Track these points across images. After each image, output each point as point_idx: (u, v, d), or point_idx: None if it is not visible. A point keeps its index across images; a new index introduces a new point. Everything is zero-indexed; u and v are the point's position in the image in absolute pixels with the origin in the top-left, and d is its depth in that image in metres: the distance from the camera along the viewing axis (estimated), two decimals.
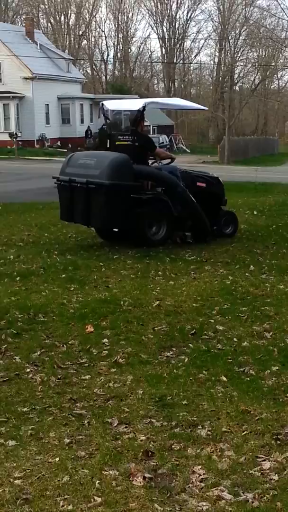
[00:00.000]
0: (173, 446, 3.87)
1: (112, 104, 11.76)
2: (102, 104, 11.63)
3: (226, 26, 57.94)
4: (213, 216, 11.05)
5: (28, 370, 5.12)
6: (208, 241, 10.68)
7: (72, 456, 3.76)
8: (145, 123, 10.79)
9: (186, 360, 5.26)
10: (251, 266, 8.73)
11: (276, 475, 3.54)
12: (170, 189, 10.52)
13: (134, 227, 10.25)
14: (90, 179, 9.95)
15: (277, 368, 5.08)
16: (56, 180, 10.77)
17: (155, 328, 6.10)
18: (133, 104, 11.67)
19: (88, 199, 10.09)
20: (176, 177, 10.68)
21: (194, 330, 6.01)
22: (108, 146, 10.93)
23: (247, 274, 8.34)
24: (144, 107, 10.69)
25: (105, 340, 5.78)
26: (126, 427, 4.12)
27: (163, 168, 10.90)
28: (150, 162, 11.01)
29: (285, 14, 22.57)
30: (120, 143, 10.72)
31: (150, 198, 10.33)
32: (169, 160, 11.39)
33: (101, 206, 10.01)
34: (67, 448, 3.87)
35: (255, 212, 14.34)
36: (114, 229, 10.74)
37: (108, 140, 11.00)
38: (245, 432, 4.02)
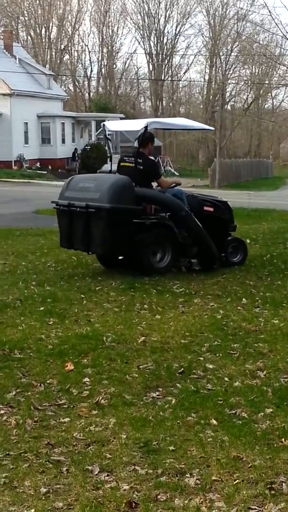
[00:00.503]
0: (158, 497, 3.84)
1: (114, 125, 12.13)
2: (104, 124, 11.91)
3: (217, 42, 58.77)
4: (221, 242, 11.25)
5: (2, 412, 5.09)
6: (215, 268, 10.93)
7: (49, 508, 3.73)
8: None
9: (173, 401, 5.25)
10: (244, 299, 8.76)
11: None
12: (174, 213, 10.69)
13: (137, 254, 10.41)
14: (89, 203, 10.12)
15: (271, 410, 5.08)
16: (55, 204, 10.94)
17: (140, 367, 6.09)
18: (134, 124, 11.83)
19: (88, 224, 10.25)
20: (181, 200, 10.86)
21: (182, 369, 6.00)
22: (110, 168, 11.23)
23: (239, 307, 8.36)
24: (146, 128, 10.87)
25: (86, 379, 5.76)
26: (108, 475, 4.09)
27: (167, 191, 11.07)
28: (154, 185, 11.20)
29: (279, 29, 23.05)
30: (125, 164, 10.95)
31: (154, 223, 10.54)
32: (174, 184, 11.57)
33: (101, 231, 10.17)
34: (43, 498, 3.84)
35: (248, 241, 14.35)
36: (119, 257, 10.93)
37: (109, 161, 11.30)
38: (237, 480, 4.01)
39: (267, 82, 60.22)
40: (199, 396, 5.37)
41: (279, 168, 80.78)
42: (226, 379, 5.79)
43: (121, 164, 11.04)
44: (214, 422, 4.85)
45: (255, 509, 3.72)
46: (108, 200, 10.06)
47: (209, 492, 3.90)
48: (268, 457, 4.29)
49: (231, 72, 60.02)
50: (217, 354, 6.47)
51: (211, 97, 67.64)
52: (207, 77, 70.43)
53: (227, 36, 58.50)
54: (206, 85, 70.81)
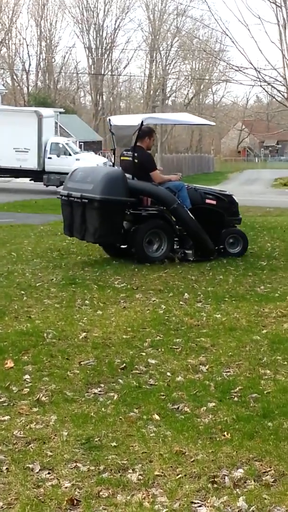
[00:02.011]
0: (101, 493, 3.82)
1: (117, 120, 12.66)
2: (109, 119, 12.78)
3: (157, 37, 58.83)
4: (223, 234, 11.95)
5: None
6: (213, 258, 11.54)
7: None
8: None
9: (115, 397, 5.23)
10: (186, 294, 8.80)
11: None
12: (166, 205, 11.30)
13: (132, 243, 11.20)
14: (84, 194, 10.90)
15: (213, 404, 5.11)
16: (59, 194, 11.82)
17: (82, 363, 6.05)
18: (136, 119, 12.29)
19: (83, 214, 11.03)
20: (178, 193, 11.39)
21: (124, 364, 5.99)
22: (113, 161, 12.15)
23: (181, 302, 8.40)
24: (142, 123, 11.48)
25: (27, 376, 5.70)
26: (49, 473, 4.06)
27: (169, 184, 11.57)
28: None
29: (219, 25, 23.19)
30: (124, 158, 11.76)
31: (150, 214, 11.29)
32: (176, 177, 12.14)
33: (93, 221, 10.90)
34: None
35: None
36: (122, 246, 11.68)
37: (113, 155, 12.30)
38: (180, 475, 4.02)
39: (207, 77, 60.68)
40: (141, 391, 5.36)
41: (221, 163, 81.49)
42: (168, 374, 5.80)
43: (121, 158, 11.86)
44: (157, 417, 4.85)
45: (198, 503, 3.73)
46: (100, 191, 10.78)
47: (151, 487, 3.90)
48: (211, 451, 4.31)
49: (171, 67, 60.31)
50: (159, 349, 6.48)
51: (151, 92, 67.77)
52: (147, 72, 70.56)
53: (167, 31, 58.75)
54: (146, 80, 70.93)
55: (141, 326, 7.25)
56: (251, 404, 5.12)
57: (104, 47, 72.24)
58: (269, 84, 24.22)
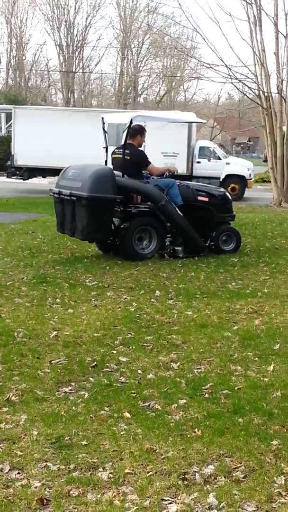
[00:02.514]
0: (71, 492, 3.81)
1: (110, 118, 12.74)
2: (102, 117, 12.80)
3: (128, 34, 58.76)
4: (216, 231, 12.11)
5: None
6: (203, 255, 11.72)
7: None
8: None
9: (86, 396, 5.22)
10: (157, 291, 8.80)
11: None
12: (154, 202, 11.41)
13: (121, 240, 11.41)
14: (73, 191, 11.07)
15: (184, 401, 5.12)
16: (51, 192, 11.94)
17: (52, 361, 6.02)
18: (126, 117, 12.40)
19: (73, 211, 11.21)
20: (167, 190, 11.51)
21: (95, 363, 5.98)
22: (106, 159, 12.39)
23: (152, 300, 8.40)
24: (131, 121, 11.61)
25: None
26: (18, 473, 4.03)
27: (156, 181, 11.72)
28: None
29: (190, 22, 23.23)
30: (115, 156, 11.84)
31: (140, 211, 11.51)
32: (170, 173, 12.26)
33: (82, 218, 11.07)
34: None
35: None
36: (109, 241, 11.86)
37: (106, 153, 12.42)
38: (150, 472, 4.02)
39: (179, 74, 60.75)
40: (112, 389, 5.35)
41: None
42: (139, 371, 5.80)
43: (113, 156, 11.94)
44: (128, 415, 4.85)
45: (168, 500, 3.74)
46: (88, 189, 10.90)
47: (122, 485, 3.90)
48: (181, 448, 4.32)
49: (143, 64, 60.28)
50: (130, 347, 6.47)
51: (123, 89, 67.67)
52: (119, 70, 70.37)
53: (138, 29, 58.68)
54: (118, 78, 70.78)
55: (112, 324, 7.24)
56: (222, 401, 5.13)
57: (75, 45, 71.90)
58: (240, 81, 24.39)
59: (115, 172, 11.47)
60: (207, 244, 12.08)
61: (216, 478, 3.97)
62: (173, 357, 6.19)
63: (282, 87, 23.50)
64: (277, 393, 5.25)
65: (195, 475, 4.00)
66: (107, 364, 5.97)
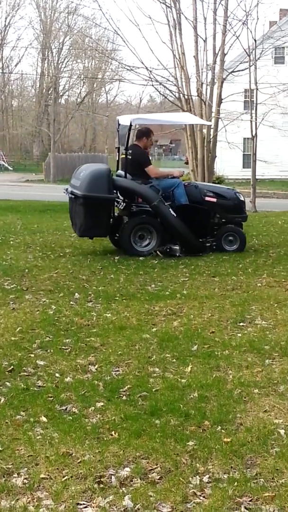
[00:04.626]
0: None
1: (122, 119, 13.08)
2: (118, 119, 13.41)
3: (49, 35, 58.35)
4: (219, 231, 12.52)
5: None
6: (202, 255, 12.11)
7: None
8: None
9: (1, 400, 5.15)
10: (76, 294, 8.77)
11: None
12: (147, 202, 11.95)
13: (121, 237, 12.12)
14: (73, 190, 11.90)
15: (102, 404, 5.11)
16: (64, 190, 12.68)
17: None
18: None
19: (76, 209, 12.04)
20: (157, 191, 11.96)
21: (12, 367, 5.91)
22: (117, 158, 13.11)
23: (71, 302, 8.37)
24: (130, 124, 12.26)
25: None
26: None
27: (162, 183, 12.24)
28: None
29: (110, 24, 23.28)
30: (123, 156, 12.38)
31: (141, 210, 12.05)
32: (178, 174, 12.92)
33: (80, 216, 11.84)
34: None
35: None
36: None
37: (116, 153, 13.10)
38: (66, 477, 3.99)
39: (100, 76, 60.70)
40: (29, 393, 5.30)
41: (115, 162, 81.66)
42: (57, 375, 5.76)
43: (121, 156, 12.54)
44: (44, 419, 4.81)
45: (84, 504, 3.72)
46: (84, 188, 11.66)
47: (37, 490, 3.86)
48: (98, 451, 4.31)
49: (63, 65, 59.88)
50: (48, 350, 6.43)
51: (44, 90, 67.18)
52: (39, 70, 69.84)
53: (58, 30, 58.28)
54: (38, 78, 70.23)
55: (30, 328, 7.17)
56: (139, 403, 5.15)
57: None
58: (161, 84, 24.51)
59: (121, 172, 12.34)
60: (208, 244, 12.43)
61: (132, 480, 3.98)
62: (92, 359, 6.18)
63: (202, 90, 23.74)
64: (194, 394, 5.31)
65: (111, 478, 4.00)
66: (24, 368, 5.91)
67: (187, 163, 25.25)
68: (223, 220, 12.64)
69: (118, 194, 12.17)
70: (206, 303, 8.41)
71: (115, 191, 12.02)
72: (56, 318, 7.60)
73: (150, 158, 13.39)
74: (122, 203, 12.12)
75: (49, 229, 15.82)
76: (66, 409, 5.04)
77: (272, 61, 43.97)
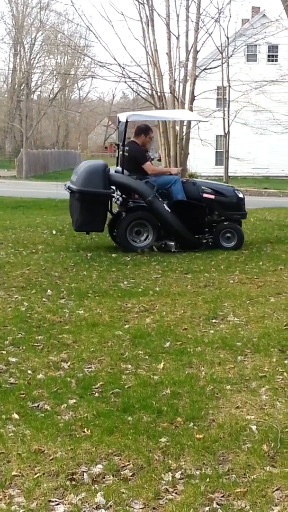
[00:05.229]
0: None
1: (122, 116, 13.02)
2: (118, 116, 13.52)
3: (21, 30, 57.97)
4: (217, 228, 12.57)
5: None
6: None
7: None
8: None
9: None
10: (49, 291, 8.74)
11: None
12: (142, 198, 12.07)
13: (118, 233, 12.26)
14: (70, 185, 12.10)
15: (74, 401, 5.10)
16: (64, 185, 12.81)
17: None
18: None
19: (73, 204, 12.23)
20: (152, 187, 12.04)
21: None
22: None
23: (44, 299, 8.34)
24: (126, 121, 12.40)
25: None
26: None
27: (159, 179, 12.35)
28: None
29: (83, 20, 23.26)
30: (122, 152, 12.48)
31: (138, 205, 12.17)
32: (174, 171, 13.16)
33: (76, 211, 12.06)
34: None
35: (54, 232, 14.42)
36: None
37: (118, 150, 13.07)
38: (38, 474, 3.98)
39: (72, 72, 60.41)
40: (1, 390, 5.27)
41: (88, 158, 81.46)
42: (29, 372, 5.74)
43: (121, 152, 12.58)
44: (16, 416, 4.79)
45: (56, 501, 3.71)
46: (79, 183, 11.88)
47: (8, 488, 3.84)
48: (70, 448, 4.30)
49: (36, 61, 59.45)
50: (21, 347, 6.40)
51: (16, 86, 66.74)
52: (11, 66, 69.35)
53: (30, 25, 57.85)
54: (10, 74, 69.75)
55: (2, 324, 7.13)
56: (112, 400, 5.15)
57: None
58: (133, 80, 24.49)
59: (118, 168, 12.49)
60: (205, 241, 12.49)
61: (104, 477, 3.98)
62: (64, 356, 6.17)
63: (175, 87, 23.76)
64: (167, 391, 5.31)
65: (83, 475, 3.99)
66: None
67: (160, 160, 25.28)
68: (222, 217, 12.66)
69: (116, 190, 12.25)
70: (179, 300, 8.43)
71: (112, 187, 12.14)
72: (28, 315, 7.57)
73: (150, 155, 13.45)
74: (119, 199, 12.17)
75: (22, 225, 15.73)
76: (38, 406, 5.02)
77: (245, 58, 44.13)
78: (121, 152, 12.56)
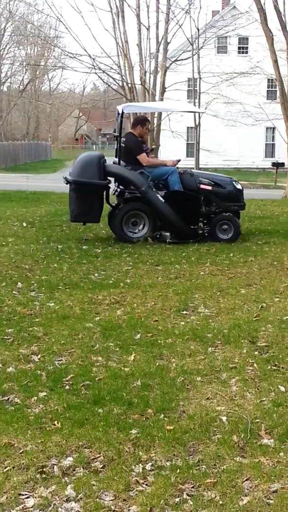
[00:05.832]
0: None
1: (120, 108, 13.08)
2: (117, 108, 13.38)
3: None
4: (214, 219, 12.56)
5: None
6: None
7: None
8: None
9: None
10: (19, 283, 8.70)
11: None
12: (136, 188, 12.16)
13: (113, 223, 12.36)
14: (68, 177, 12.12)
15: (44, 394, 5.09)
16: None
17: None
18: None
19: (70, 195, 12.32)
20: (147, 178, 12.11)
21: None
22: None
23: (14, 292, 8.29)
24: (122, 112, 12.60)
25: None
26: None
27: (156, 170, 12.38)
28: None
29: (52, 11, 23.11)
30: (121, 144, 12.59)
31: (134, 196, 12.21)
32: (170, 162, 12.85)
33: (72, 201, 12.17)
34: None
35: (24, 224, 14.35)
36: None
37: (116, 141, 13.18)
38: (8, 467, 3.96)
39: (43, 63, 60.12)
40: None
41: (58, 150, 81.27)
42: None
43: (121, 143, 12.62)
44: None
45: (26, 494, 3.70)
46: (74, 174, 12.03)
47: None
48: (40, 441, 4.29)
49: (5, 52, 59.10)
50: None
51: None
52: None
53: None
54: None
55: None
56: (83, 392, 5.14)
57: None
58: (104, 72, 24.43)
59: (115, 159, 12.52)
60: (200, 232, 12.53)
61: (74, 470, 3.98)
62: (34, 349, 6.14)
63: (145, 79, 23.76)
64: (137, 382, 5.32)
65: (53, 467, 3.98)
66: None
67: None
68: (220, 209, 12.65)
69: (112, 181, 12.37)
70: (149, 292, 8.44)
71: (109, 178, 12.28)
72: None
73: (148, 146, 13.46)
74: (117, 190, 12.28)
75: None
76: (8, 399, 5.00)
77: (215, 50, 44.26)
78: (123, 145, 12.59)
